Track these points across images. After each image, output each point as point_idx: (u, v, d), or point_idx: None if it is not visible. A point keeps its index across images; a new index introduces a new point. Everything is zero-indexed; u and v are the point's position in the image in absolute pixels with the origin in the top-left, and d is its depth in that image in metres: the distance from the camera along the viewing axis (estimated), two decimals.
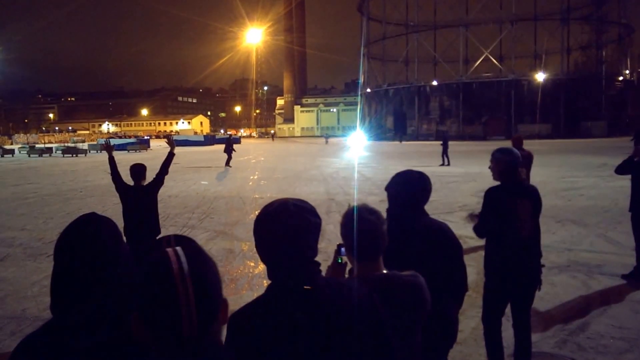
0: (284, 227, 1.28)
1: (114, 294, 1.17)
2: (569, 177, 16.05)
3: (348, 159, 28.81)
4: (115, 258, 1.21)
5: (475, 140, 50.98)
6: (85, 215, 1.28)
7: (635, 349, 3.97)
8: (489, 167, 3.41)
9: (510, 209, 3.22)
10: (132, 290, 0.96)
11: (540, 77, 57.79)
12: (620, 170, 5.89)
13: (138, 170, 5.12)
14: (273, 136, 77.75)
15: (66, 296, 1.16)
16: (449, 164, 21.56)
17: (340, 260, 1.76)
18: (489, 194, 3.32)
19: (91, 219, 1.25)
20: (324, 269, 1.38)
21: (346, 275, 1.79)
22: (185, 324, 0.88)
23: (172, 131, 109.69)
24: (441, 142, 23.12)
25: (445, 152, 22.23)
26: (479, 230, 3.37)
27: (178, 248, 0.95)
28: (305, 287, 1.27)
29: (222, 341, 1.01)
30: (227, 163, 23.56)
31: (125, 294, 1.16)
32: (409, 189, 2.27)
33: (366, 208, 1.76)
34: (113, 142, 6.09)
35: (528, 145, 8.04)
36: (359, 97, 71.00)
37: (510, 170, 3.28)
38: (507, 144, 5.15)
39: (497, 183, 3.37)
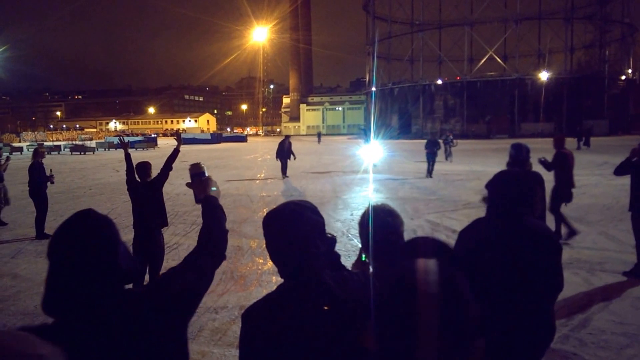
0: (286, 226, 1.38)
1: (112, 291, 1.21)
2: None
3: None
4: (112, 255, 1.22)
5: (478, 139, 50.80)
6: (80, 211, 1.27)
7: (635, 344, 4.06)
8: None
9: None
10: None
11: (543, 76, 57.57)
12: (619, 171, 5.94)
13: (143, 167, 5.40)
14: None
15: (61, 294, 1.16)
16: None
17: (364, 258, 1.84)
18: None
19: (86, 215, 1.25)
20: (346, 264, 1.47)
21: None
22: None
23: (179, 129, 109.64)
24: (441, 144, 18.77)
25: (447, 150, 21.51)
26: None
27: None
28: (325, 307, 1.33)
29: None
30: (284, 171, 17.63)
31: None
32: (510, 188, 2.23)
33: (383, 209, 1.82)
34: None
35: (531, 143, 8.10)
36: (374, 96, 69.80)
37: (516, 161, 4.13)
38: (511, 142, 5.35)
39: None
